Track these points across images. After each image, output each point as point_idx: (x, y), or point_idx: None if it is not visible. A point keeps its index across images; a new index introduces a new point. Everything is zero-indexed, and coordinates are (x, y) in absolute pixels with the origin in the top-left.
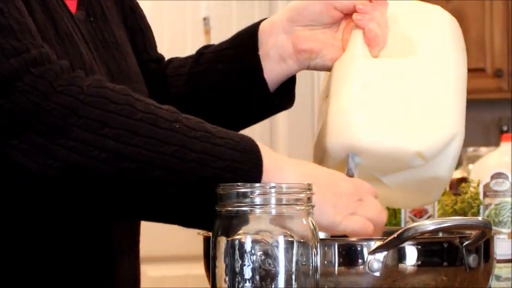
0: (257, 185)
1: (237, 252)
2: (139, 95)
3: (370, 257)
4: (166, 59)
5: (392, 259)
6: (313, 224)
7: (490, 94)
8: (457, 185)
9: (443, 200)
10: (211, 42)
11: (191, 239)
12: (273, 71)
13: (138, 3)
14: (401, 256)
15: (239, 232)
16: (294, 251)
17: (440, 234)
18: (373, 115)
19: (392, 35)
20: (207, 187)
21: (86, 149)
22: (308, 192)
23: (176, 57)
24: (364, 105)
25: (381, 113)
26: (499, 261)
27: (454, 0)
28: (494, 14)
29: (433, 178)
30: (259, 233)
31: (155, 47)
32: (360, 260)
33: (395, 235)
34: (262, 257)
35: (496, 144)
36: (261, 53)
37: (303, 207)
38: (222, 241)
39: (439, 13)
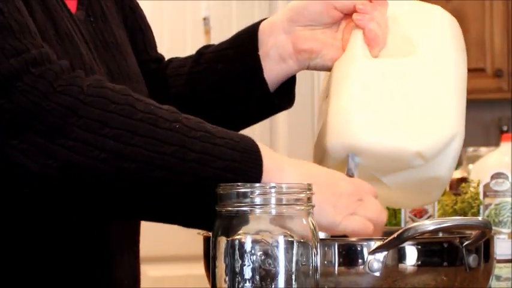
0: (257, 185)
1: (237, 252)
2: (139, 95)
3: (370, 257)
4: (166, 59)
5: (392, 259)
6: (313, 224)
7: (490, 94)
8: (457, 185)
9: (443, 200)
10: (211, 42)
11: (191, 239)
12: (273, 71)
13: (138, 3)
14: (401, 256)
15: (239, 232)
16: (294, 251)
17: (440, 234)
18: (373, 115)
19: (392, 35)
20: (207, 187)
21: (85, 149)
22: (308, 192)
23: (176, 57)
24: (364, 105)
25: (381, 113)
26: (499, 261)
27: (454, 0)
28: (494, 14)
29: (433, 178)
30: (259, 233)
31: (155, 47)
32: (360, 260)
33: (395, 235)
34: (262, 257)
35: (496, 144)
36: (261, 53)
37: (303, 207)
38: (222, 241)
39: (439, 13)
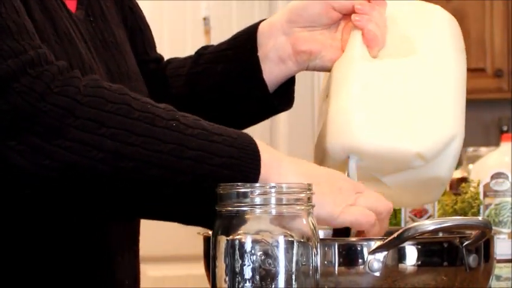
0: (257, 185)
1: (237, 252)
2: (136, 94)
3: (370, 257)
4: (165, 59)
5: (393, 259)
6: (313, 224)
7: (490, 94)
8: (457, 185)
9: (443, 200)
10: (212, 42)
11: (191, 239)
12: (272, 72)
13: (137, 4)
14: (401, 256)
15: (239, 232)
16: (294, 251)
17: (440, 234)
18: (372, 116)
19: (392, 35)
20: (205, 184)
21: (83, 149)
22: (308, 192)
23: (175, 58)
24: (363, 106)
25: (381, 114)
26: (499, 261)
27: (454, 0)
28: (494, 14)
29: (433, 178)
30: (259, 233)
31: (154, 47)
32: (360, 260)
33: (395, 235)
34: (262, 257)
35: (496, 144)
36: (260, 54)
37: (303, 207)
38: (222, 241)
39: (439, 13)
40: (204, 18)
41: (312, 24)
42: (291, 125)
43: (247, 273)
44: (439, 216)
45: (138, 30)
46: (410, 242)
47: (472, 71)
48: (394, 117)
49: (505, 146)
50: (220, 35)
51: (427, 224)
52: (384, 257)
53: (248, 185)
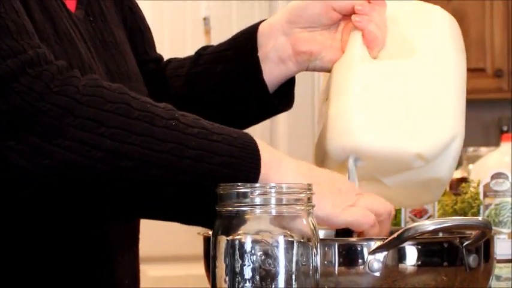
0: (257, 185)
1: (237, 252)
2: (135, 93)
3: (370, 257)
4: (165, 59)
5: (393, 259)
6: (313, 224)
7: (490, 94)
8: (457, 185)
9: (443, 200)
10: (212, 43)
11: (191, 239)
12: (272, 73)
13: (137, 4)
14: (401, 256)
15: (239, 232)
16: (294, 251)
17: (440, 234)
18: (373, 116)
19: (392, 36)
20: (205, 184)
21: (82, 149)
22: (308, 192)
23: (175, 58)
24: (364, 106)
25: (381, 115)
26: (499, 261)
27: (454, 0)
28: (494, 14)
29: (433, 179)
30: (259, 233)
31: (154, 47)
32: (360, 260)
33: (395, 235)
34: (262, 257)
35: (496, 144)
36: (260, 55)
37: (303, 207)
38: (222, 241)
39: (439, 13)
40: (204, 18)
41: (311, 24)
42: (291, 125)
43: (247, 273)
44: (439, 216)
45: (138, 31)
46: (411, 242)
47: (472, 71)
48: (394, 118)
49: (505, 146)
50: (220, 35)
51: (427, 224)
52: (384, 257)
53: (248, 185)
